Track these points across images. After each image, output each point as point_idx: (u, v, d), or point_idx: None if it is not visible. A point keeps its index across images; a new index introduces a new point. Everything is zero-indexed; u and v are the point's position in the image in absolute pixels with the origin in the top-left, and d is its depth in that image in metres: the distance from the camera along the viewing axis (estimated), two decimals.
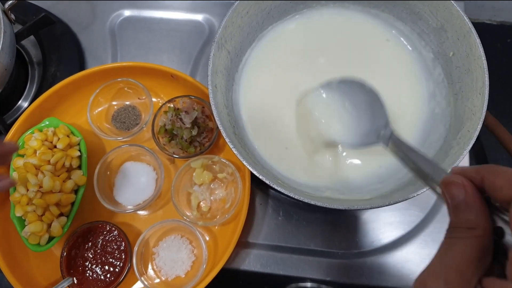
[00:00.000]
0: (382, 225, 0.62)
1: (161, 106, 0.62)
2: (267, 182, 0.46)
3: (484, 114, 0.48)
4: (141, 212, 0.62)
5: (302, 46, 0.59)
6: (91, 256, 0.58)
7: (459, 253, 0.23)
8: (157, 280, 0.59)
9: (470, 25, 0.51)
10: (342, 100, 0.52)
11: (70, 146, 0.61)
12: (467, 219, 0.23)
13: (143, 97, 0.67)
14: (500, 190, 0.23)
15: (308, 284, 0.61)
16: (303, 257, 0.61)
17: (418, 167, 0.34)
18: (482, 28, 0.90)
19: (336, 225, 0.62)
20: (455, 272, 0.22)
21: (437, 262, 0.24)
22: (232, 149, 0.47)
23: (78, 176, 0.59)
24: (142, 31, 0.75)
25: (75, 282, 0.57)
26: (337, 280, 0.60)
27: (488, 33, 0.91)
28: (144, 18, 0.76)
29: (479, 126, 0.47)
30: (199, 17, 0.75)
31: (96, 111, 0.67)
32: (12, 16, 0.64)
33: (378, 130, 0.46)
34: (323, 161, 0.54)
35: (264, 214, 0.63)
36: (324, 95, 0.53)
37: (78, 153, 0.60)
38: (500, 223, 0.24)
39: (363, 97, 0.50)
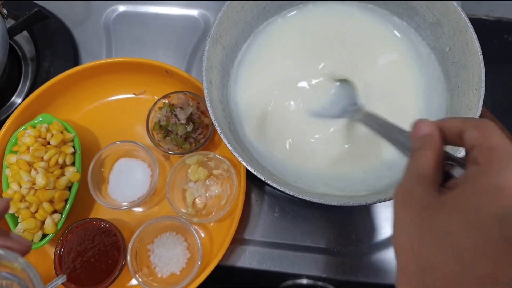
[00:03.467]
0: (379, 221, 0.62)
1: (156, 102, 0.62)
2: (262, 178, 0.46)
3: (480, 109, 0.48)
4: (135, 209, 0.62)
5: (298, 41, 0.59)
6: (85, 253, 0.57)
7: (421, 163, 0.29)
8: (152, 277, 0.58)
9: (467, 20, 0.50)
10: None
11: (63, 142, 0.60)
12: (429, 138, 0.31)
13: (142, 92, 0.67)
14: (450, 131, 0.30)
15: (304, 281, 0.61)
16: (299, 254, 0.61)
17: (386, 132, 0.41)
18: (479, 24, 0.90)
19: (332, 221, 0.62)
20: (421, 176, 0.29)
21: (407, 173, 0.30)
22: (227, 145, 0.47)
23: (72, 173, 0.59)
24: (137, 26, 0.74)
25: (69, 279, 0.56)
26: (333, 277, 0.60)
27: (485, 29, 0.90)
28: (139, 13, 0.75)
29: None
30: (194, 12, 0.75)
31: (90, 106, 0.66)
32: (5, 11, 0.64)
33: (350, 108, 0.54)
34: (318, 149, 0.54)
35: (259, 210, 0.63)
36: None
37: (72, 150, 0.60)
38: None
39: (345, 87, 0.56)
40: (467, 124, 0.29)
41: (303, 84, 0.57)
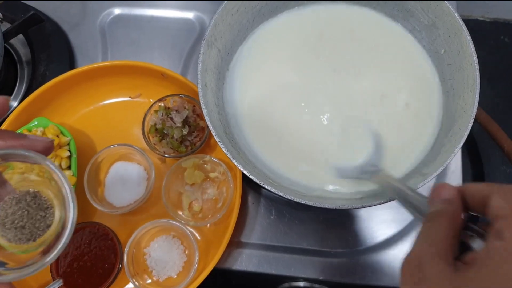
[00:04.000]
0: (375, 224, 0.62)
1: (152, 105, 0.62)
2: (257, 181, 0.46)
3: (475, 111, 0.48)
4: (132, 213, 0.62)
5: (293, 44, 0.59)
6: (81, 257, 0.57)
7: (436, 232, 0.27)
8: (149, 281, 0.58)
9: (461, 22, 0.50)
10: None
11: (59, 146, 0.60)
12: (449, 205, 0.29)
13: (138, 95, 0.67)
14: (473, 197, 0.28)
15: (301, 284, 0.61)
16: (296, 256, 0.61)
17: (403, 197, 0.38)
18: (475, 25, 0.90)
19: (328, 224, 0.62)
20: (434, 247, 0.26)
21: (419, 242, 0.28)
22: (222, 148, 0.47)
23: (68, 177, 0.58)
24: (133, 29, 0.74)
25: (65, 283, 0.56)
26: (330, 279, 0.60)
27: (481, 30, 0.90)
28: (135, 16, 0.75)
29: (470, 124, 0.47)
30: (190, 15, 0.75)
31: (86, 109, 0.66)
32: (0, 15, 0.63)
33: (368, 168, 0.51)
34: (314, 153, 0.54)
35: (256, 213, 0.63)
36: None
37: (68, 153, 0.60)
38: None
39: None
40: (493, 190, 0.26)
41: (298, 86, 0.57)
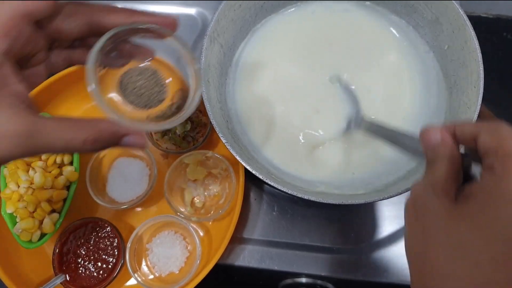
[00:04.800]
0: (378, 220, 0.62)
1: None
2: (260, 177, 0.45)
3: (479, 107, 0.47)
4: (134, 208, 0.62)
5: (296, 39, 0.59)
6: (83, 252, 0.57)
7: (438, 174, 0.29)
8: (151, 276, 0.58)
9: (465, 17, 0.50)
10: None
11: None
12: (443, 147, 0.30)
13: None
14: (462, 134, 0.29)
15: (303, 280, 0.61)
16: (298, 253, 0.61)
17: (395, 139, 0.41)
18: (477, 22, 0.89)
19: (331, 219, 0.62)
20: (438, 186, 0.28)
21: (422, 184, 0.30)
22: (225, 144, 0.47)
23: (70, 172, 0.58)
24: None
25: (68, 279, 0.56)
26: (332, 276, 0.60)
27: (484, 26, 0.90)
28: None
29: (474, 120, 0.47)
30: (191, 10, 0.74)
31: (89, 105, 0.66)
32: None
33: (353, 120, 0.53)
34: (318, 148, 0.54)
35: (258, 209, 0.63)
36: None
37: None
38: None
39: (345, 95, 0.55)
40: (481, 129, 0.28)
41: (301, 82, 0.56)
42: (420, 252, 0.27)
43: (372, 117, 0.52)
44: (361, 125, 0.51)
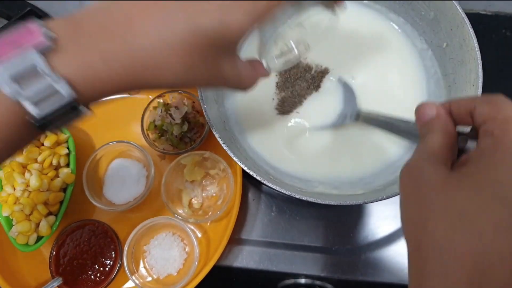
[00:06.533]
0: (377, 220, 0.62)
1: (151, 102, 0.61)
2: (258, 177, 0.45)
3: None
4: (131, 210, 0.61)
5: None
6: (80, 255, 0.57)
7: (433, 143, 0.28)
8: (149, 279, 0.58)
9: (463, 15, 0.50)
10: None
11: (58, 143, 0.59)
12: (437, 120, 0.29)
13: (137, 91, 0.66)
14: (458, 110, 0.29)
15: (302, 280, 0.60)
16: (297, 253, 0.60)
17: (390, 126, 0.42)
18: (476, 19, 0.89)
19: (329, 220, 0.61)
20: (433, 156, 0.27)
21: (417, 153, 0.29)
22: (222, 144, 0.46)
23: (66, 174, 0.58)
24: None
25: (65, 282, 0.56)
26: (331, 276, 0.59)
27: (483, 23, 0.90)
28: None
29: None
30: None
31: None
32: None
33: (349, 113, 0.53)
34: (315, 149, 0.54)
35: (257, 210, 0.62)
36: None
37: (66, 151, 0.59)
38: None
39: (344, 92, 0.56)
40: (477, 101, 0.27)
41: (300, 82, 0.56)
42: (418, 223, 0.26)
43: None
44: (358, 116, 0.51)
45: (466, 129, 0.29)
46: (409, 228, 0.27)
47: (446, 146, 0.28)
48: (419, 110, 0.31)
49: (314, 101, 0.55)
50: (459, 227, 0.23)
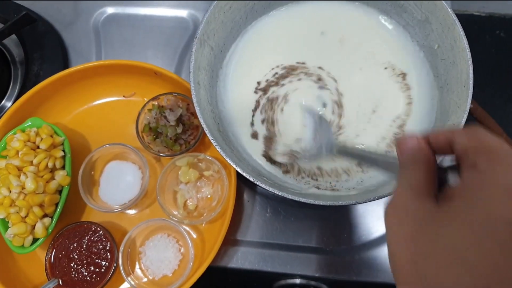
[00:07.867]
0: (371, 220, 0.62)
1: (145, 104, 0.61)
2: (251, 179, 0.45)
3: (468, 106, 0.47)
4: (127, 212, 0.62)
5: (287, 40, 0.59)
6: (76, 257, 0.57)
7: (414, 176, 0.28)
8: (144, 280, 0.58)
9: (454, 17, 0.50)
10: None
11: (53, 146, 0.60)
12: (418, 151, 0.29)
13: (132, 94, 0.66)
14: (437, 140, 0.29)
15: (297, 281, 0.60)
16: (292, 254, 0.60)
17: (367, 159, 0.41)
18: (470, 20, 0.90)
19: (324, 220, 0.62)
20: (416, 189, 0.27)
21: (399, 188, 0.29)
22: (216, 146, 0.47)
23: (62, 177, 0.58)
24: (126, 28, 0.74)
25: (61, 283, 0.56)
26: (326, 276, 0.60)
27: (477, 24, 0.90)
28: (128, 15, 0.75)
29: (464, 119, 0.47)
30: (183, 13, 0.74)
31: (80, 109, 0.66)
32: None
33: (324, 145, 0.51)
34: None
35: (251, 211, 0.62)
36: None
37: (62, 153, 0.59)
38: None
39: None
40: (456, 132, 0.28)
41: (291, 83, 0.56)
42: (408, 261, 0.25)
43: (360, 124, 0.54)
44: (333, 149, 0.49)
45: (445, 161, 0.30)
46: (398, 265, 0.26)
47: (431, 178, 0.28)
48: (400, 142, 0.31)
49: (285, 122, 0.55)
50: (453, 263, 0.23)
